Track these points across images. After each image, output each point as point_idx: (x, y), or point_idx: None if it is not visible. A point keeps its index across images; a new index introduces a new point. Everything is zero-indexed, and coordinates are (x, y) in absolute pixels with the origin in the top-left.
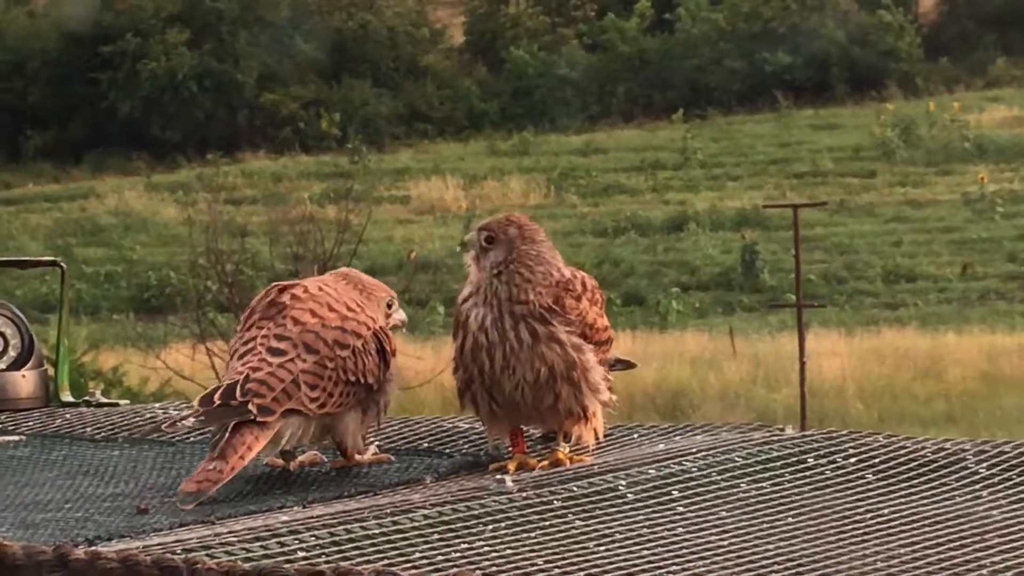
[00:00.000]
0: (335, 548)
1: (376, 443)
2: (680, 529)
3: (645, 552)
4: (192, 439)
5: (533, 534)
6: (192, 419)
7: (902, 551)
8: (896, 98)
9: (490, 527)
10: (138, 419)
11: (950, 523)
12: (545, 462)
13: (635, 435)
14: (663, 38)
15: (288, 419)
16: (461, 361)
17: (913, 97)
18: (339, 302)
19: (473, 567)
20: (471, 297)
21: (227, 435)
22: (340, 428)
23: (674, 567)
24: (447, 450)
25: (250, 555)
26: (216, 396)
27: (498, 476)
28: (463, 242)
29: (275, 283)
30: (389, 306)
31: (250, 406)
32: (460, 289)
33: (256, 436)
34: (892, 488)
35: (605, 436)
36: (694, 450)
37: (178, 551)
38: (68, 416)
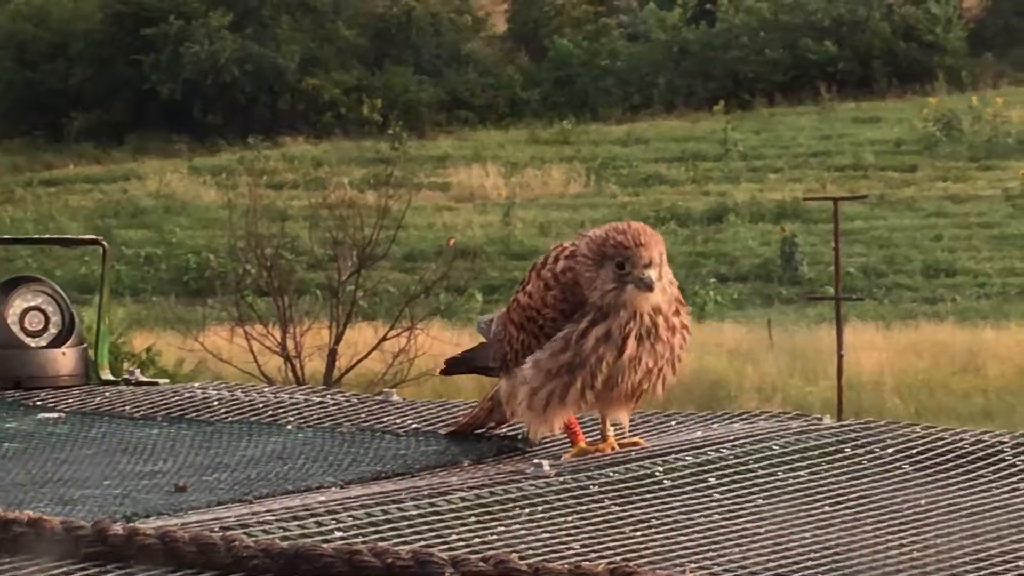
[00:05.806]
0: (372, 529)
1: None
2: (716, 516)
3: (681, 538)
4: (230, 419)
5: (570, 518)
6: None
7: (938, 541)
8: (939, 92)
9: (527, 511)
10: (177, 398)
11: (987, 515)
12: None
13: (672, 422)
14: (705, 28)
15: None
16: (569, 345)
17: (956, 91)
18: None
19: (510, 550)
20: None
21: None
22: None
23: (710, 553)
24: (485, 434)
25: (287, 534)
26: None
27: (535, 460)
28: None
29: None
30: None
31: None
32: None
33: None
34: (929, 479)
35: (643, 422)
36: (731, 438)
37: (216, 529)
38: (107, 394)
